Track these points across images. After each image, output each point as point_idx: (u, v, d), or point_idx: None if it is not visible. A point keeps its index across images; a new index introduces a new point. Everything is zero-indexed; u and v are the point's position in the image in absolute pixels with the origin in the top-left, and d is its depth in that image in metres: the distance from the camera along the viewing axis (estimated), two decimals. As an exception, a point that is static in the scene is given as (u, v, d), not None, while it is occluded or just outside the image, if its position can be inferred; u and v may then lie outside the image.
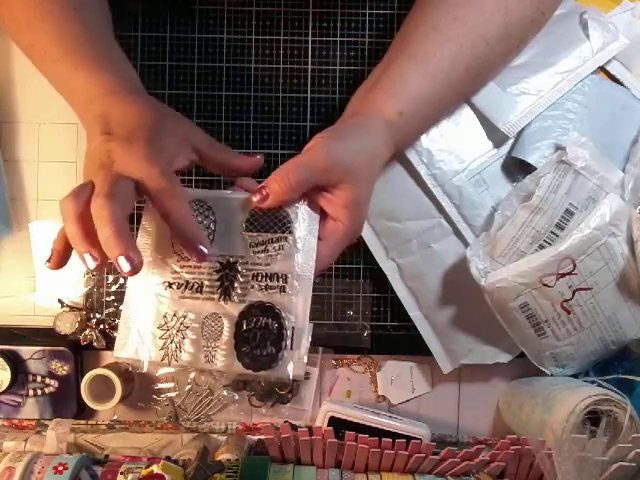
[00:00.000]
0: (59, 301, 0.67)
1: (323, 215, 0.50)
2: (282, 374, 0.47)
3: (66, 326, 0.66)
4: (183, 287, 0.48)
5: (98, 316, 0.68)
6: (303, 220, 0.49)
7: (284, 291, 0.48)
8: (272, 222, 0.49)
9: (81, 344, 0.67)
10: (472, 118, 0.64)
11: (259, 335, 0.47)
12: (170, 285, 0.48)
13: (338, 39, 0.68)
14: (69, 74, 0.49)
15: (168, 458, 0.60)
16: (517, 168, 0.64)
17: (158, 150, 0.45)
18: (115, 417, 0.68)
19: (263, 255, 0.48)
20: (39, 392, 0.66)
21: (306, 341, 0.48)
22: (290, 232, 0.49)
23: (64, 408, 0.67)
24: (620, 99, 0.66)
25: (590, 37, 0.63)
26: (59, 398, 0.66)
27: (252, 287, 0.48)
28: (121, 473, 0.58)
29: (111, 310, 0.68)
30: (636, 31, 0.67)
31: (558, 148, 0.61)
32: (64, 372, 0.66)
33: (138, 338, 0.48)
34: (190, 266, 0.48)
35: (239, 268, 0.48)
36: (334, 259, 0.51)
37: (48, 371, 0.66)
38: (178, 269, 0.48)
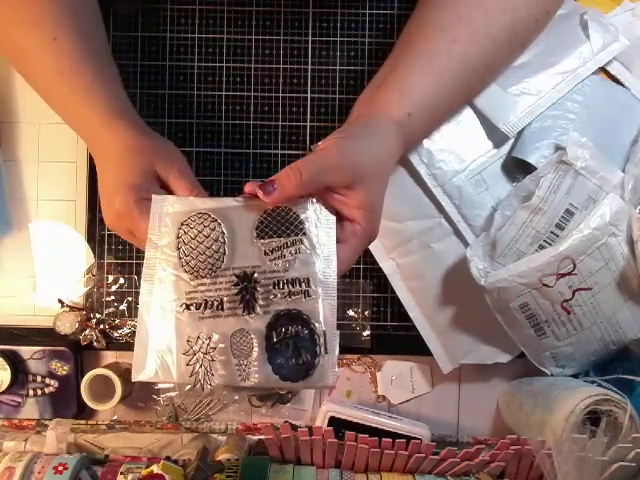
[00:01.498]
0: (59, 301, 0.67)
1: (339, 218, 0.49)
2: (322, 382, 0.45)
3: (66, 326, 0.66)
4: (202, 307, 0.46)
5: (98, 316, 0.68)
6: (318, 222, 0.48)
7: (309, 295, 0.46)
8: (284, 226, 0.47)
9: (81, 344, 0.67)
10: (472, 118, 0.64)
11: (291, 344, 0.45)
12: (188, 307, 0.46)
13: (338, 39, 0.68)
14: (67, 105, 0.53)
15: (168, 458, 0.60)
16: (517, 168, 0.64)
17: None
18: (115, 417, 0.68)
19: (280, 261, 0.47)
20: (39, 392, 0.66)
21: (337, 347, 0.46)
22: (304, 234, 0.47)
23: (64, 408, 0.67)
24: (620, 99, 0.66)
25: (590, 38, 0.63)
26: (59, 398, 0.66)
27: (275, 296, 0.46)
28: (121, 473, 0.59)
29: (111, 310, 0.68)
30: (636, 31, 0.67)
31: (558, 148, 0.61)
32: (64, 372, 0.66)
33: (157, 360, 0.45)
34: (205, 283, 0.46)
35: (257, 278, 0.46)
36: (354, 262, 0.50)
37: (48, 371, 0.66)
38: (193, 287, 0.46)
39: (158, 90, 0.67)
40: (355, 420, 0.64)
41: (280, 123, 0.68)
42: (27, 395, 0.66)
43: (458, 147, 0.64)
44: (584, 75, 0.63)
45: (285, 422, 0.61)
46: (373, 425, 0.64)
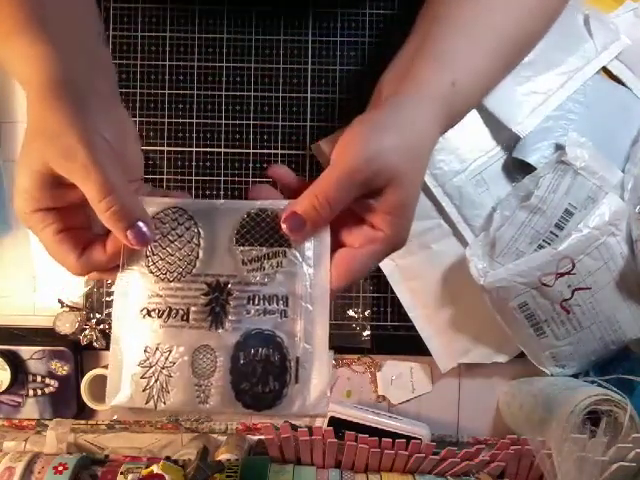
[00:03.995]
0: (59, 301, 0.67)
1: (359, 220, 0.42)
2: (288, 412, 0.40)
3: (66, 326, 0.66)
4: (166, 314, 0.41)
5: (98, 316, 0.68)
6: None
7: (286, 316, 0.41)
8: (267, 234, 0.42)
9: (81, 344, 0.67)
10: (473, 118, 0.64)
11: (260, 369, 0.40)
12: (149, 313, 0.41)
13: (338, 39, 0.68)
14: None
15: (168, 458, 0.60)
16: (517, 169, 0.64)
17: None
18: (115, 417, 0.68)
19: (259, 274, 0.41)
20: (39, 392, 0.66)
21: (327, 372, 0.41)
22: (289, 245, 0.42)
23: (64, 408, 0.66)
24: (621, 99, 0.66)
25: (593, 36, 0.64)
26: (59, 398, 0.66)
27: (248, 312, 0.41)
28: (121, 473, 0.59)
29: (111, 310, 0.68)
30: (638, 31, 0.67)
31: (558, 148, 0.61)
32: (64, 372, 0.66)
33: (133, 381, 0.41)
34: (172, 288, 0.41)
35: (231, 290, 0.41)
36: (369, 271, 0.43)
37: (48, 371, 0.66)
38: (157, 291, 0.41)
39: (158, 90, 0.67)
40: (355, 420, 0.64)
41: (280, 123, 0.68)
42: (27, 395, 0.66)
43: (459, 147, 0.64)
44: (590, 74, 0.63)
45: (285, 422, 0.61)
46: (373, 425, 0.64)
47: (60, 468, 0.58)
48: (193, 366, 0.41)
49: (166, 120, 0.67)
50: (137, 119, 0.67)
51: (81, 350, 0.68)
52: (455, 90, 0.44)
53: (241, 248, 0.42)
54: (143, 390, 0.40)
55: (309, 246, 0.42)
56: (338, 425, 0.62)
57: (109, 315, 0.68)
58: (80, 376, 0.66)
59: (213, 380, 0.40)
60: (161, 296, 0.41)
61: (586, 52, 0.64)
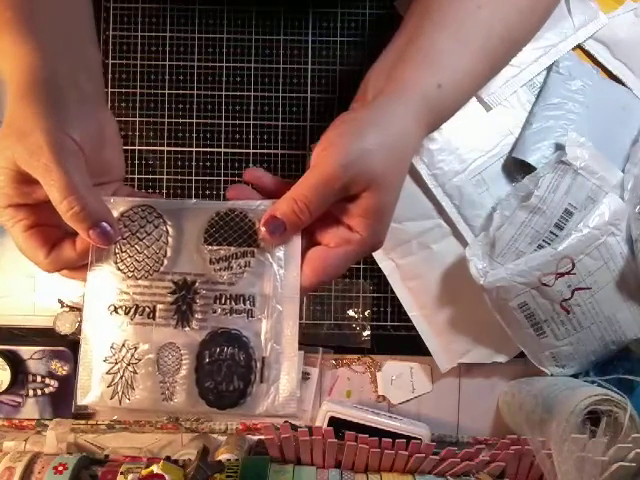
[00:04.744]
0: (59, 301, 0.67)
1: (338, 222, 0.43)
2: (253, 411, 0.40)
3: (66, 326, 0.66)
4: (132, 311, 0.41)
5: (98, 316, 0.68)
6: None
7: (252, 315, 0.41)
8: (236, 234, 0.42)
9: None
10: (473, 118, 0.64)
11: (225, 368, 0.41)
12: (116, 309, 0.41)
13: (338, 39, 0.68)
14: None
15: (168, 458, 0.60)
16: (517, 168, 0.64)
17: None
18: (115, 417, 0.68)
19: (226, 273, 0.41)
20: (39, 392, 0.66)
21: (296, 372, 0.41)
22: (258, 245, 0.42)
23: (64, 408, 0.66)
24: (621, 99, 0.66)
25: (572, 14, 0.65)
26: (59, 398, 0.66)
27: (214, 311, 0.41)
28: (121, 473, 0.59)
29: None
30: (639, 31, 0.67)
31: (558, 148, 0.61)
32: (64, 372, 0.66)
33: (103, 379, 0.41)
34: (139, 286, 0.41)
35: (198, 289, 0.41)
36: (343, 270, 0.42)
37: (48, 371, 0.66)
38: (125, 288, 0.41)
39: (158, 90, 0.67)
40: (355, 420, 0.64)
41: (280, 123, 0.68)
42: (27, 395, 0.66)
43: (458, 147, 0.64)
44: (564, 50, 0.65)
45: (285, 422, 0.61)
46: (373, 425, 0.64)
47: (60, 468, 0.58)
48: (159, 363, 0.41)
49: (166, 120, 0.68)
50: (137, 119, 0.67)
51: (81, 350, 0.68)
52: (441, 92, 0.44)
53: (209, 247, 0.42)
54: (108, 386, 0.41)
55: (279, 246, 0.42)
56: (338, 425, 0.62)
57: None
58: (80, 376, 0.66)
59: (178, 378, 0.41)
60: (128, 293, 0.41)
61: (564, 29, 0.65)
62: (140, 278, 0.42)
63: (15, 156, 0.37)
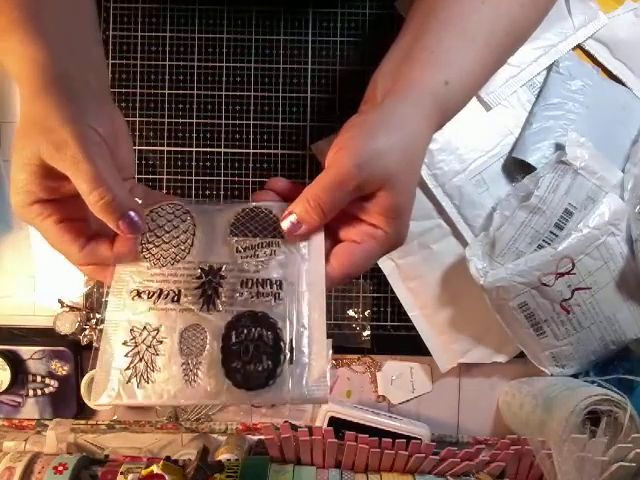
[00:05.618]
0: (59, 301, 0.67)
1: (358, 220, 0.43)
2: (282, 395, 0.38)
3: (66, 326, 0.66)
4: (156, 296, 0.40)
5: (98, 316, 0.68)
6: None
7: (279, 298, 0.41)
8: (261, 226, 0.43)
9: (81, 344, 0.67)
10: (473, 118, 0.64)
11: (252, 348, 0.39)
12: (139, 294, 0.41)
13: (338, 39, 0.68)
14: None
15: (168, 458, 0.60)
16: (517, 168, 0.64)
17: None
18: (115, 417, 0.68)
19: (253, 260, 0.42)
20: (39, 392, 0.66)
21: (325, 357, 0.39)
22: (282, 237, 0.42)
23: (64, 408, 0.66)
24: (621, 99, 0.66)
25: (572, 14, 0.65)
26: (59, 398, 0.66)
27: (241, 295, 0.41)
28: (121, 473, 0.59)
29: (111, 310, 0.68)
30: (639, 31, 0.67)
31: (558, 148, 0.61)
32: (64, 372, 0.66)
33: (120, 378, 0.39)
34: (164, 274, 0.41)
35: (224, 274, 0.41)
36: (369, 265, 0.43)
37: (48, 371, 0.66)
38: (149, 276, 0.41)
39: (158, 90, 0.67)
40: (355, 420, 0.64)
41: (280, 123, 0.68)
42: (27, 395, 0.66)
43: (458, 147, 0.64)
44: (564, 50, 0.65)
45: (285, 422, 0.61)
46: (373, 425, 0.64)
47: (60, 468, 0.58)
48: (181, 345, 0.39)
49: (166, 120, 0.67)
50: (137, 119, 0.67)
51: (81, 350, 0.68)
52: (448, 89, 0.45)
53: (235, 238, 0.43)
54: (126, 369, 0.39)
55: (303, 241, 0.42)
56: (338, 425, 0.62)
57: (109, 315, 0.68)
58: (80, 376, 0.66)
59: (202, 359, 0.39)
60: (152, 280, 0.41)
61: (564, 29, 0.65)
62: (165, 266, 0.41)
63: (41, 151, 0.37)
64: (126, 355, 0.39)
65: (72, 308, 0.67)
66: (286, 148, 0.68)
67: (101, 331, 0.41)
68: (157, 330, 0.40)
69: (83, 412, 0.68)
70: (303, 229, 0.42)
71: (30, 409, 0.66)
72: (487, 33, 0.47)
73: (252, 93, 0.68)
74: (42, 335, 0.68)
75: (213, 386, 0.38)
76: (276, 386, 0.38)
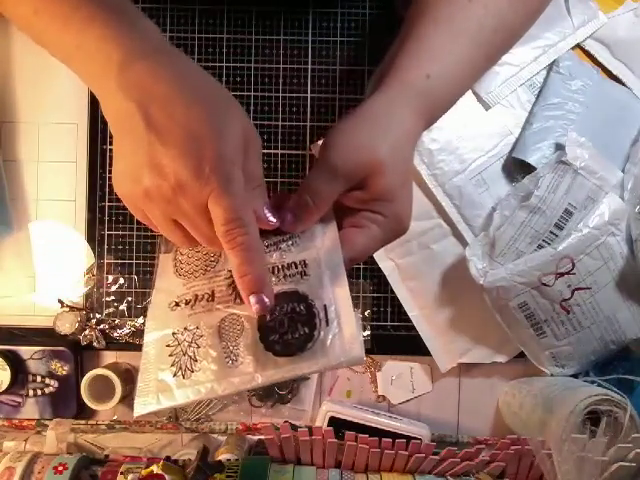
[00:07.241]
0: (59, 301, 0.67)
1: (357, 210, 0.46)
2: (321, 357, 0.39)
3: (66, 326, 0.66)
4: (192, 301, 0.44)
5: (98, 316, 0.68)
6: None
7: (306, 274, 0.43)
8: (278, 229, 0.45)
9: (81, 344, 0.67)
10: (473, 118, 0.64)
11: (286, 321, 0.41)
12: (177, 304, 0.44)
13: (338, 39, 0.68)
14: (81, 35, 0.41)
15: (168, 458, 0.60)
16: (517, 168, 0.64)
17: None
18: (115, 417, 0.68)
19: (276, 253, 0.44)
20: (39, 392, 0.66)
21: (355, 322, 0.40)
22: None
23: (64, 408, 0.67)
24: (621, 99, 0.66)
25: (571, 13, 0.65)
26: (59, 398, 0.66)
27: (269, 281, 0.43)
28: (121, 473, 0.58)
29: (111, 310, 0.68)
30: (639, 31, 0.67)
31: (558, 148, 0.61)
32: (64, 372, 0.66)
33: (159, 385, 0.40)
34: (197, 284, 0.45)
35: None
36: (372, 250, 0.45)
37: (48, 371, 0.66)
38: (185, 290, 0.45)
39: (158, 90, 0.67)
40: (355, 420, 0.64)
41: (280, 123, 0.68)
42: (27, 395, 0.66)
43: (458, 147, 0.64)
44: (564, 49, 0.65)
45: (285, 422, 0.61)
46: (373, 425, 0.64)
47: (60, 468, 0.58)
48: (220, 333, 0.42)
49: (166, 120, 0.67)
50: (137, 119, 0.67)
51: (81, 350, 0.68)
52: (430, 81, 0.47)
53: None
54: (171, 365, 0.41)
55: (318, 228, 0.45)
56: (338, 425, 0.62)
57: (109, 315, 0.68)
58: (80, 376, 0.66)
59: (241, 340, 0.41)
60: (188, 293, 0.44)
61: (563, 29, 0.65)
62: (198, 277, 0.45)
63: (244, 122, 0.43)
64: (170, 355, 0.41)
65: (72, 308, 0.67)
66: (286, 148, 0.68)
67: (102, 332, 0.41)
68: (196, 327, 0.42)
69: (83, 412, 0.68)
70: (301, 221, 0.44)
71: (30, 409, 0.66)
72: (474, 30, 0.49)
73: (252, 93, 0.68)
74: (42, 335, 0.68)
75: (254, 361, 0.40)
76: (315, 349, 0.40)
